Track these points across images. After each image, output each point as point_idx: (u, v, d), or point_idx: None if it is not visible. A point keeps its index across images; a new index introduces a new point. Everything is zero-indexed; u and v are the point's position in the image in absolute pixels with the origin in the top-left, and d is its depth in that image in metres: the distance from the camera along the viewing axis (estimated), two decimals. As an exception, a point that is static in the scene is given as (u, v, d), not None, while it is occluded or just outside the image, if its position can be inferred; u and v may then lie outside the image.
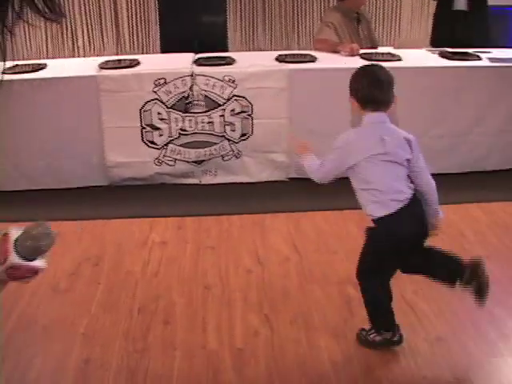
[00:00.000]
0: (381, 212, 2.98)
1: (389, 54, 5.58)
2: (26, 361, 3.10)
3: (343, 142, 3.13)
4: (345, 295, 3.62)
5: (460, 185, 5.15)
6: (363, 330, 3.20)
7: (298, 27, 8.72)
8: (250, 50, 8.42)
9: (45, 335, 3.33)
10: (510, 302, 3.58)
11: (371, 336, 3.16)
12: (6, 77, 4.96)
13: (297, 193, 5.06)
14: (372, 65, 3.42)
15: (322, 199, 4.93)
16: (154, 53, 8.42)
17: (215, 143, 5.15)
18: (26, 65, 5.42)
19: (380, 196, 2.99)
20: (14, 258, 1.58)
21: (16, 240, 1.60)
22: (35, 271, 1.63)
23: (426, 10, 8.65)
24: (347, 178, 5.16)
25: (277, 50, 6.68)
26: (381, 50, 5.91)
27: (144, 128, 5.08)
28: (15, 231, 1.61)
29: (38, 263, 1.62)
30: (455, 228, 4.48)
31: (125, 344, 3.24)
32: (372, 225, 3.06)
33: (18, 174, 5.01)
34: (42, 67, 5.33)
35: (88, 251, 4.22)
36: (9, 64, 5.34)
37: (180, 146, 5.14)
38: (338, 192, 5.02)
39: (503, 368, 3.08)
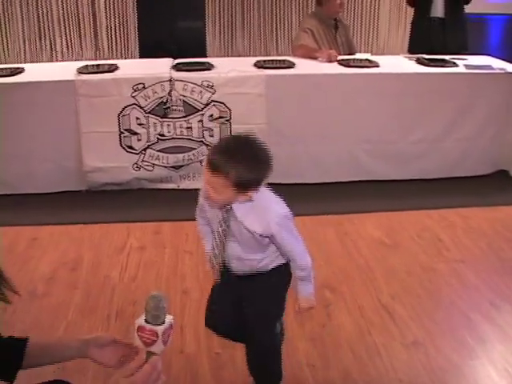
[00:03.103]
0: None
1: (367, 60, 5.60)
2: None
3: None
4: (322, 299, 3.63)
5: (436, 190, 5.20)
6: None
7: (276, 33, 8.76)
8: (228, 56, 8.45)
9: (22, 340, 3.31)
10: (486, 306, 3.61)
11: None
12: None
13: (275, 198, 5.07)
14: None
15: (300, 204, 4.92)
16: (132, 58, 8.43)
17: (193, 148, 5.15)
18: (3, 69, 5.40)
19: None
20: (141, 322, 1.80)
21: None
22: (155, 333, 1.79)
23: (403, 16, 8.72)
24: (325, 184, 5.23)
25: (255, 56, 6.71)
26: (359, 56, 5.94)
27: (122, 133, 5.06)
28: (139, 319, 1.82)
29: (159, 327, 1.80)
30: (432, 233, 4.52)
31: (102, 348, 3.22)
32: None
33: (-6, 178, 5.00)
34: (19, 71, 5.30)
35: (65, 256, 4.20)
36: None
37: (158, 151, 5.13)
38: (315, 197, 5.08)
39: (480, 371, 3.10)
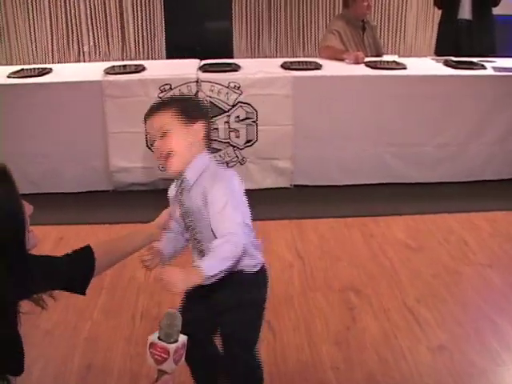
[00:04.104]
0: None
1: (394, 62, 5.58)
2: (28, 365, 3.09)
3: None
4: (347, 302, 3.63)
5: (463, 194, 5.16)
6: None
7: (303, 34, 8.74)
8: (255, 57, 8.44)
9: (47, 340, 3.33)
10: (513, 311, 3.58)
11: None
12: (12, 81, 4.99)
13: (300, 200, 5.08)
14: None
15: (326, 206, 4.95)
16: (159, 58, 8.45)
17: (220, 149, 5.15)
18: (31, 69, 5.45)
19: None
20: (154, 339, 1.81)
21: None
22: (167, 351, 1.79)
23: (430, 18, 8.67)
24: (351, 186, 5.21)
25: (282, 57, 6.72)
26: (386, 58, 5.90)
27: (149, 133, 5.07)
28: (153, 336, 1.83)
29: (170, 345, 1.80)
30: (457, 236, 4.49)
31: (127, 349, 3.24)
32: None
33: (21, 177, 5.01)
34: (47, 72, 5.35)
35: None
36: (15, 68, 5.38)
37: (184, 151, 5.13)
38: (341, 199, 5.07)
39: (505, 377, 3.08)
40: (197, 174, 2.27)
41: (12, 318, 1.82)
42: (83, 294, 2.12)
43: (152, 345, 1.79)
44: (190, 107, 2.32)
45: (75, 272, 2.05)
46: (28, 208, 1.87)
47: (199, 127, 2.28)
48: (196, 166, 2.28)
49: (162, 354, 1.78)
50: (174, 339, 1.80)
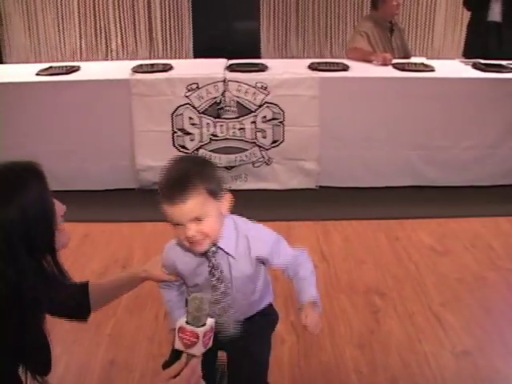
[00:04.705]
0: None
1: (422, 64, 5.54)
2: (53, 362, 3.12)
3: None
4: (371, 305, 3.62)
5: (489, 198, 5.12)
6: None
7: (330, 35, 8.72)
8: (282, 57, 8.44)
9: (71, 335, 3.34)
10: (539, 318, 3.55)
11: None
12: (41, 78, 5.02)
13: (326, 201, 5.07)
14: None
15: (351, 208, 4.94)
16: (186, 57, 8.47)
17: (246, 149, 5.16)
18: (59, 67, 5.48)
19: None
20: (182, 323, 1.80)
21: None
22: (196, 335, 1.78)
23: (459, 20, 8.61)
24: (377, 189, 5.18)
25: (309, 58, 6.70)
26: (414, 60, 5.87)
27: (175, 132, 5.10)
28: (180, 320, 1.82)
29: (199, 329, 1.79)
30: (484, 241, 4.46)
31: (150, 347, 3.25)
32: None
33: (48, 175, 5.04)
34: (75, 69, 5.38)
35: (116, 253, 4.24)
36: (43, 66, 5.42)
37: (211, 151, 5.15)
38: (366, 201, 5.05)
39: (530, 384, 3.05)
40: (233, 242, 2.14)
41: (43, 320, 1.83)
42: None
43: (181, 329, 1.78)
44: (216, 182, 2.07)
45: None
46: (61, 208, 1.87)
47: (227, 200, 2.11)
48: (228, 235, 2.14)
49: (192, 338, 1.77)
50: (203, 323, 1.79)
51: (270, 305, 2.43)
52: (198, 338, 1.77)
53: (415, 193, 5.20)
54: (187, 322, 1.79)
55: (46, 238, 1.74)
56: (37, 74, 5.25)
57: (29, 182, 1.72)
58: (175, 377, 1.75)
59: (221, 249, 2.13)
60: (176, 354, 1.84)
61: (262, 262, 2.23)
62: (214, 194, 2.03)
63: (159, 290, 2.41)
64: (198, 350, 1.79)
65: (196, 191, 1.98)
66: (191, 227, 2.01)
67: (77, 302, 2.19)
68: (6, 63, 8.29)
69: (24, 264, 1.65)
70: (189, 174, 2.01)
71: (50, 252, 1.76)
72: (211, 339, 1.84)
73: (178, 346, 1.79)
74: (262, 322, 2.38)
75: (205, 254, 2.14)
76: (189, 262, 2.19)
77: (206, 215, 2.01)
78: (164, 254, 2.29)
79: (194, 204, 1.98)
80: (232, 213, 2.18)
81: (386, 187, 5.23)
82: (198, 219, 2.01)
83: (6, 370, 1.71)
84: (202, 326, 1.78)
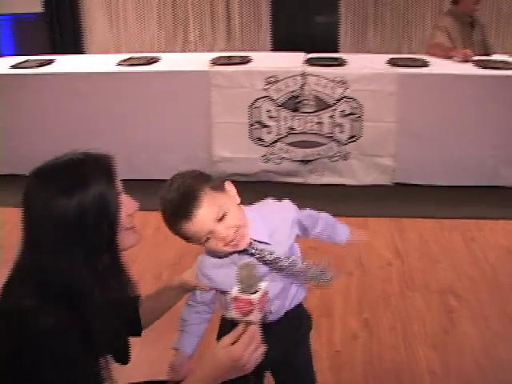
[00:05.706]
0: None
1: (503, 62, 5.42)
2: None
3: None
4: (446, 305, 3.58)
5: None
6: None
7: (409, 31, 8.62)
8: (359, 52, 8.37)
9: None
10: None
11: None
12: (121, 69, 5.11)
13: (401, 198, 5.02)
14: None
15: (427, 206, 4.88)
16: (263, 50, 8.47)
17: (323, 144, 5.15)
18: (140, 58, 5.56)
19: None
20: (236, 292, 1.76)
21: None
22: (250, 302, 1.75)
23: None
24: (454, 187, 5.10)
25: (387, 53, 6.63)
26: (495, 57, 5.76)
27: (252, 125, 5.12)
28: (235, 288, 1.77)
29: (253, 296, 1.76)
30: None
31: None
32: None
33: (125, 163, 5.11)
34: (155, 60, 5.46)
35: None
36: (124, 56, 5.51)
37: (288, 144, 5.16)
38: (442, 200, 4.98)
39: None
40: (263, 229, 2.09)
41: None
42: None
43: (235, 299, 1.75)
44: (212, 178, 2.06)
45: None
46: (133, 205, 1.81)
47: (230, 187, 2.09)
48: (255, 225, 2.07)
49: (247, 307, 1.75)
50: (255, 289, 1.76)
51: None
52: (252, 305, 1.75)
53: (491, 193, 5.10)
54: (240, 291, 1.76)
55: (104, 237, 1.66)
56: (117, 65, 5.34)
57: (93, 177, 1.64)
58: (233, 344, 1.73)
59: (254, 240, 2.06)
60: (231, 323, 1.81)
61: (297, 232, 2.19)
62: (218, 187, 2.03)
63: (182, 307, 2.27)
64: (255, 316, 1.76)
65: (202, 193, 1.96)
66: (220, 228, 1.97)
67: (128, 318, 2.01)
68: (87, 53, 8.44)
69: (77, 259, 1.60)
70: (186, 184, 2.01)
71: (109, 253, 1.70)
72: (267, 303, 1.81)
73: (235, 315, 1.77)
74: (303, 327, 2.32)
75: (244, 253, 2.04)
76: (229, 272, 2.00)
77: (224, 209, 1.98)
78: (198, 274, 2.22)
79: (208, 205, 1.95)
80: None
81: (463, 186, 5.15)
82: (220, 218, 1.96)
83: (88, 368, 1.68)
84: (255, 292, 1.76)
